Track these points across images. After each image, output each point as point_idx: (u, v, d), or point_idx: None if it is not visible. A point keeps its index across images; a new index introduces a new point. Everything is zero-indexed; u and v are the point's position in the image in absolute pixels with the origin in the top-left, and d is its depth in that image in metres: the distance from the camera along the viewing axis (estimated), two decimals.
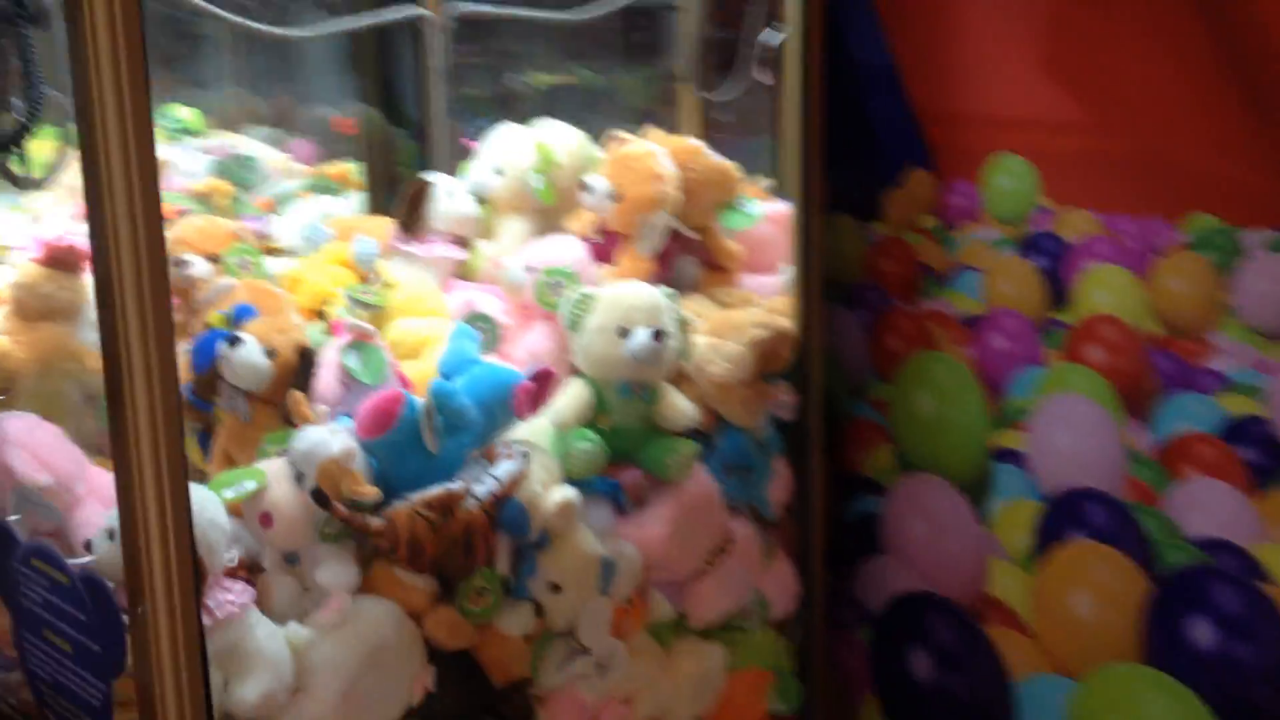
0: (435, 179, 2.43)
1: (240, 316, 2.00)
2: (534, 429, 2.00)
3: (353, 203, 2.98)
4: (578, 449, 1.95)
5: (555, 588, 1.88)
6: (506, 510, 1.83)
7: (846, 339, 2.40)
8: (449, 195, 2.42)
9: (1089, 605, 2.09)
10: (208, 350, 1.91)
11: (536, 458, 1.89)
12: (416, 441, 1.77)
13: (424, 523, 1.74)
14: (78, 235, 2.81)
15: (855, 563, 2.42)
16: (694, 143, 2.36)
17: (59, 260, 2.36)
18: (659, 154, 2.26)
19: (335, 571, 1.71)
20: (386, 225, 2.45)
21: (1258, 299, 1.90)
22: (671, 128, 2.65)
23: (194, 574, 1.51)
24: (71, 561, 1.64)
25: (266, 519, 1.70)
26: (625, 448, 2.03)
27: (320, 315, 2.22)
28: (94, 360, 2.20)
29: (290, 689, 1.65)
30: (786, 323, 2.21)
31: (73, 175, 3.13)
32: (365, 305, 2.18)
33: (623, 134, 2.35)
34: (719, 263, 2.39)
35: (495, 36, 3.88)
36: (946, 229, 2.24)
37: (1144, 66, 1.96)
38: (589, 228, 2.34)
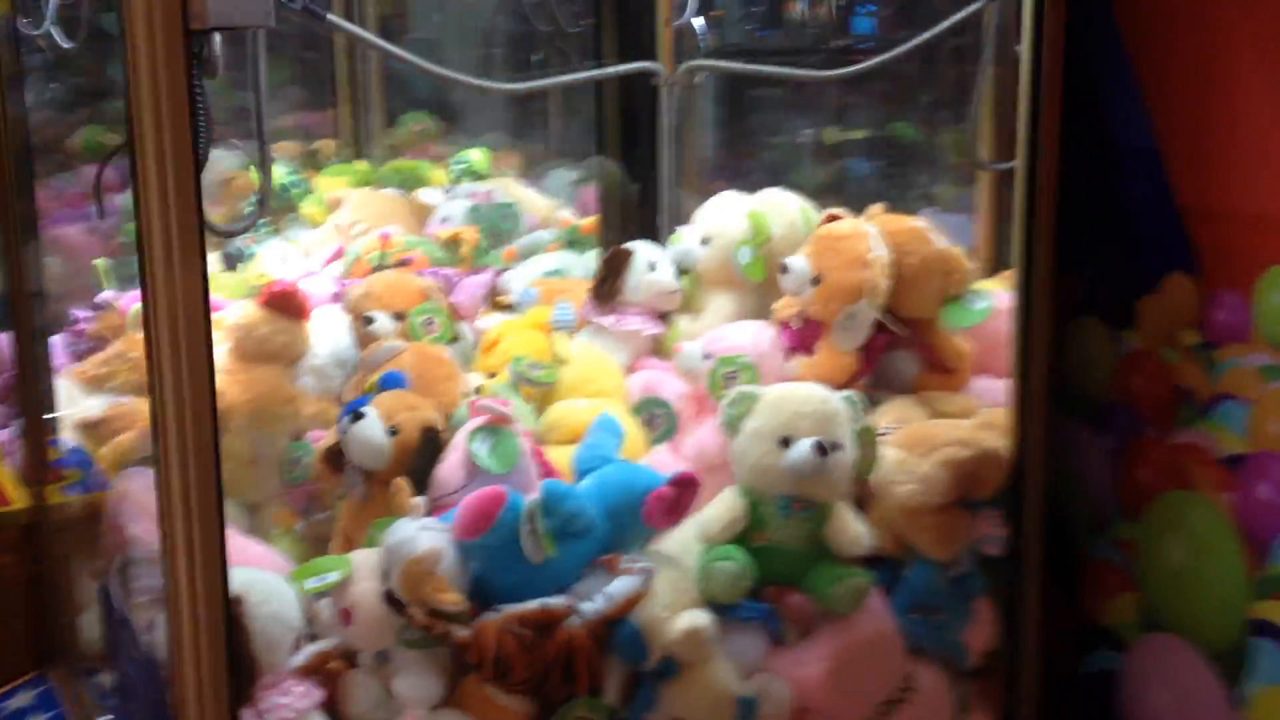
0: (638, 247, 2.25)
1: (386, 384, 1.89)
2: (681, 540, 1.77)
3: (591, 260, 2.85)
4: (717, 568, 1.70)
5: None
6: (620, 633, 1.62)
7: (1091, 465, 2.04)
8: (650, 265, 2.23)
9: None
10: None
11: (667, 575, 1.66)
12: (519, 546, 1.58)
13: (515, 639, 1.55)
14: (318, 278, 2.84)
15: None
16: (917, 224, 2.06)
17: (278, 304, 2.32)
18: (870, 235, 1.98)
19: (412, 684, 1.55)
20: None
21: None
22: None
23: (229, 670, 1.37)
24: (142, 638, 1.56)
25: (347, 615, 1.56)
26: (786, 571, 1.78)
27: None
28: (309, 406, 2.16)
29: None
30: (998, 440, 1.88)
31: (345, 213, 3.21)
32: (531, 381, 2.02)
33: (837, 210, 2.09)
34: (944, 362, 2.08)
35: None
36: (1209, 348, 1.84)
37: None
38: (793, 313, 2.08)
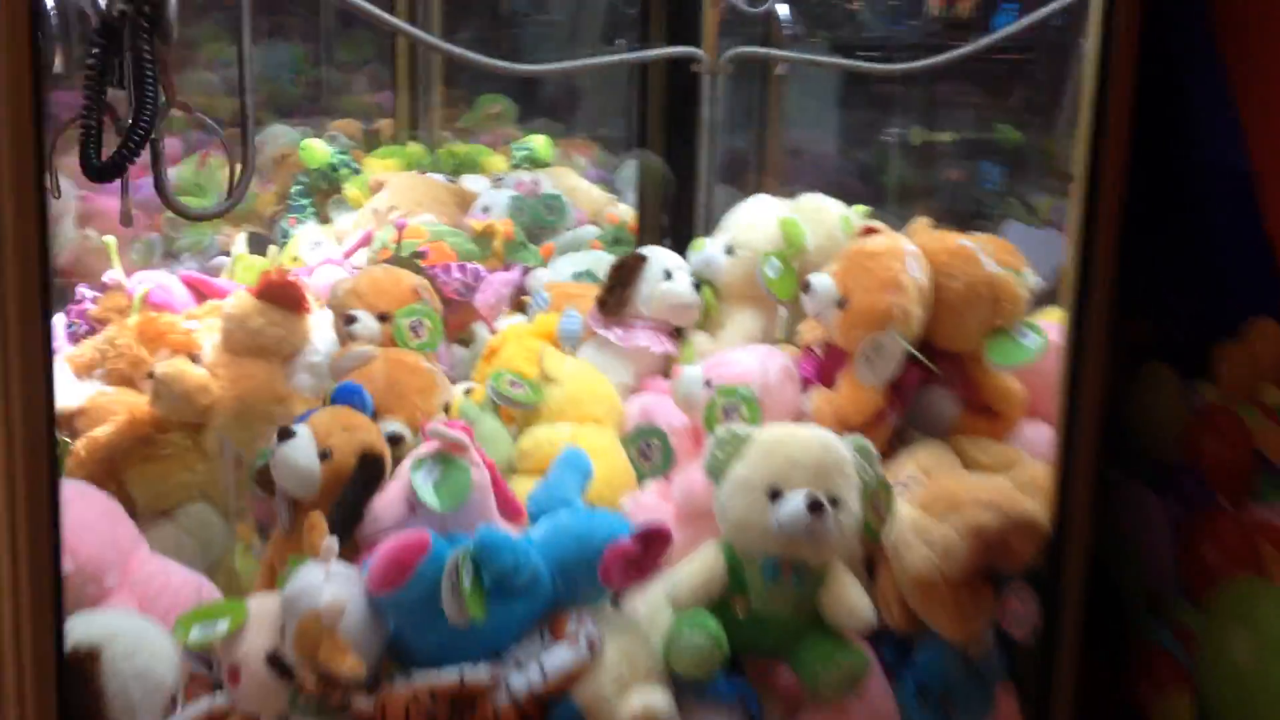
0: (654, 253, 2.01)
1: (339, 398, 1.68)
2: (652, 601, 1.53)
3: None
4: (685, 640, 1.45)
5: None
6: (557, 713, 1.38)
7: (1150, 534, 1.75)
8: (665, 274, 1.98)
9: None
10: None
11: (619, 643, 1.42)
12: (440, 604, 1.36)
13: (426, 716, 1.32)
14: (336, 267, 2.65)
15: None
16: (968, 244, 1.78)
17: (274, 295, 2.13)
18: (906, 254, 1.72)
19: None
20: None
21: None
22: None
23: None
24: None
25: (234, 675, 1.35)
26: (771, 642, 1.53)
27: None
28: (301, 406, 1.97)
29: None
30: (1034, 503, 1.59)
31: (383, 198, 3.02)
32: (510, 400, 1.79)
33: (877, 223, 1.82)
34: (988, 403, 1.80)
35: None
36: None
37: None
38: (816, 338, 1.83)
